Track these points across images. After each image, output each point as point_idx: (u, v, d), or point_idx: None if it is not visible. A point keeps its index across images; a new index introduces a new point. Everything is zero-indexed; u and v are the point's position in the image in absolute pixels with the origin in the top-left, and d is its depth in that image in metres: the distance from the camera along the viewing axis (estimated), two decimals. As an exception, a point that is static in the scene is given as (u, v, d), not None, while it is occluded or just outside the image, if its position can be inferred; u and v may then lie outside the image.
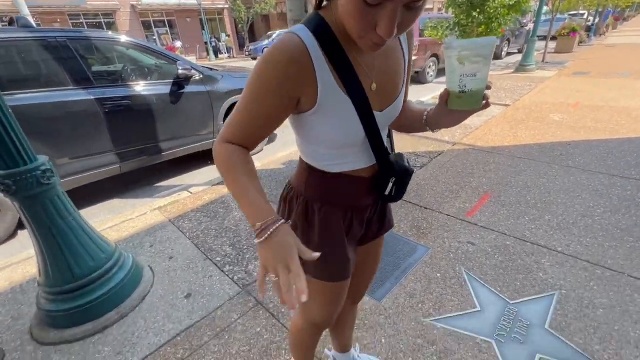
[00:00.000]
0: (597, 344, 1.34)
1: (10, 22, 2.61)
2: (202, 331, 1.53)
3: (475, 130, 4.04)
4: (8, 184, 1.33)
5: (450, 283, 1.71)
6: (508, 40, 10.98)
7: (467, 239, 2.04)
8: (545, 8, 9.17)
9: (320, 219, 0.76)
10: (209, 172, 3.59)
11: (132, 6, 20.09)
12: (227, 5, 23.77)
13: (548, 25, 9.26)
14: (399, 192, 0.79)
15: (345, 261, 0.81)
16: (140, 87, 3.01)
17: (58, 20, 17.48)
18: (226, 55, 23.29)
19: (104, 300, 1.60)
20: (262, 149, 4.16)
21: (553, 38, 11.45)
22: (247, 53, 20.21)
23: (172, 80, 3.17)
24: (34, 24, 2.88)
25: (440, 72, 8.35)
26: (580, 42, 12.76)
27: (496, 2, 5.61)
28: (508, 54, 11.51)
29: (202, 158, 3.81)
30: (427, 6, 7.08)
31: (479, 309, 1.54)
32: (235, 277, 1.85)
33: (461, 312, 1.53)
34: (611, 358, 1.28)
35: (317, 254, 0.55)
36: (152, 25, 21.57)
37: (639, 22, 30.16)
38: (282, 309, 1.62)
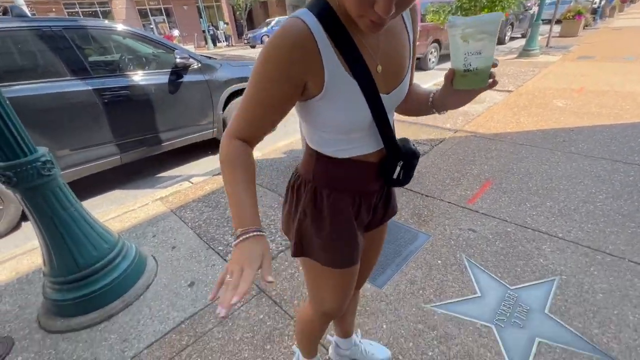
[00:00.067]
0: (596, 328, 1.35)
1: (5, 11, 2.57)
2: (207, 319, 1.55)
3: (477, 117, 4.00)
4: (9, 176, 1.34)
5: (451, 270, 1.72)
6: (512, 24, 10.73)
7: (468, 226, 2.04)
8: (550, -10, 8.93)
9: (330, 204, 0.76)
10: (210, 163, 3.58)
11: (128, -6, 19.76)
12: (224, -8, 23.33)
13: (553, 9, 9.02)
14: (407, 176, 0.80)
15: (355, 246, 0.81)
16: (138, 77, 2.97)
17: (53, 9, 17.22)
18: (225, 43, 22.92)
19: (109, 290, 1.62)
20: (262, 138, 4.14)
21: (558, 22, 11.17)
22: (246, 41, 19.90)
23: (170, 70, 3.13)
24: (28, 13, 2.84)
25: (443, 58, 8.21)
26: (586, 26, 12.46)
27: (500, -16, 5.46)
28: (512, 38, 11.28)
29: (203, 148, 3.80)
30: (429, -10, 6.91)
31: (480, 294, 1.56)
32: (238, 266, 1.87)
33: (462, 298, 1.55)
34: (610, 341, 1.29)
35: (271, 279, 0.53)
36: (149, 13, 21.22)
37: (647, 4, 29.40)
38: (284, 296, 1.64)
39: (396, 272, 1.73)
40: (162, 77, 3.08)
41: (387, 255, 1.85)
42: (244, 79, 3.59)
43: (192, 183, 2.95)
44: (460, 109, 4.20)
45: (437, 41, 7.67)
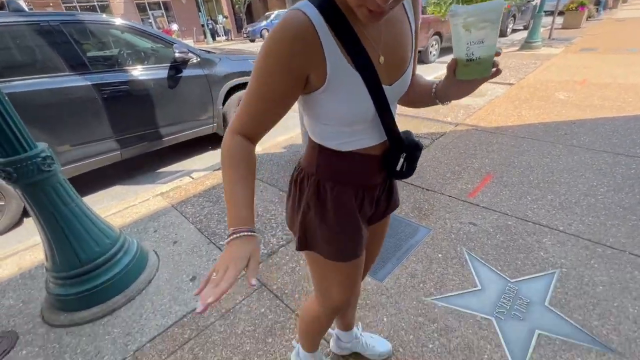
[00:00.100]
0: (596, 320, 1.36)
1: (1, 6, 2.55)
2: (209, 312, 1.56)
3: (479, 110, 3.97)
4: (9, 172, 1.34)
5: (452, 263, 1.72)
6: (514, 16, 10.61)
7: (468, 219, 2.04)
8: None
9: (333, 197, 0.76)
10: (210, 158, 3.58)
11: (126, -12, 19.57)
12: (223, -15, 23.08)
13: (556, 0, 8.91)
14: (410, 168, 0.80)
15: (359, 239, 0.81)
16: (137, 71, 2.96)
17: (51, 4, 17.05)
18: (224, 37, 22.74)
19: (111, 284, 1.63)
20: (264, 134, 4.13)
21: (561, 13, 11.05)
22: (245, 35, 19.71)
23: (169, 64, 3.11)
24: (25, 7, 2.81)
25: (444, 51, 8.14)
26: (589, 17, 12.32)
27: (502, -25, 5.39)
28: (514, 30, 11.16)
29: (203, 143, 3.79)
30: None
31: (480, 287, 1.56)
32: (239, 261, 1.88)
33: (462, 291, 1.55)
34: (610, 333, 1.30)
35: (254, 282, 0.52)
36: (147, 7, 21.03)
37: (651, -6, 29.02)
38: (285, 290, 1.65)
39: (397, 266, 1.74)
40: (161, 72, 3.06)
41: (387, 249, 1.85)
42: (243, 74, 3.56)
43: (192, 178, 2.95)
44: (461, 102, 4.17)
45: (438, 34, 7.60)
